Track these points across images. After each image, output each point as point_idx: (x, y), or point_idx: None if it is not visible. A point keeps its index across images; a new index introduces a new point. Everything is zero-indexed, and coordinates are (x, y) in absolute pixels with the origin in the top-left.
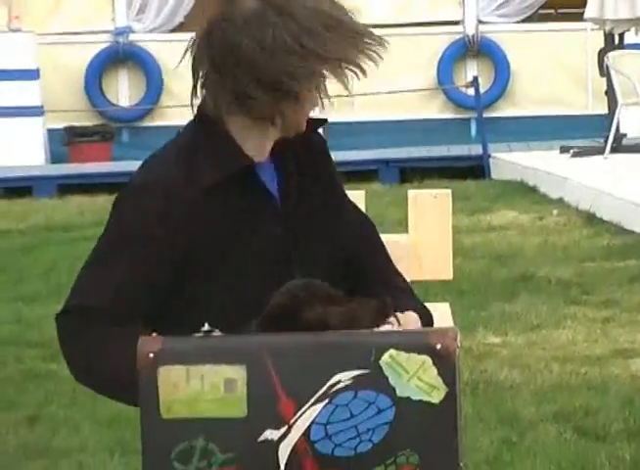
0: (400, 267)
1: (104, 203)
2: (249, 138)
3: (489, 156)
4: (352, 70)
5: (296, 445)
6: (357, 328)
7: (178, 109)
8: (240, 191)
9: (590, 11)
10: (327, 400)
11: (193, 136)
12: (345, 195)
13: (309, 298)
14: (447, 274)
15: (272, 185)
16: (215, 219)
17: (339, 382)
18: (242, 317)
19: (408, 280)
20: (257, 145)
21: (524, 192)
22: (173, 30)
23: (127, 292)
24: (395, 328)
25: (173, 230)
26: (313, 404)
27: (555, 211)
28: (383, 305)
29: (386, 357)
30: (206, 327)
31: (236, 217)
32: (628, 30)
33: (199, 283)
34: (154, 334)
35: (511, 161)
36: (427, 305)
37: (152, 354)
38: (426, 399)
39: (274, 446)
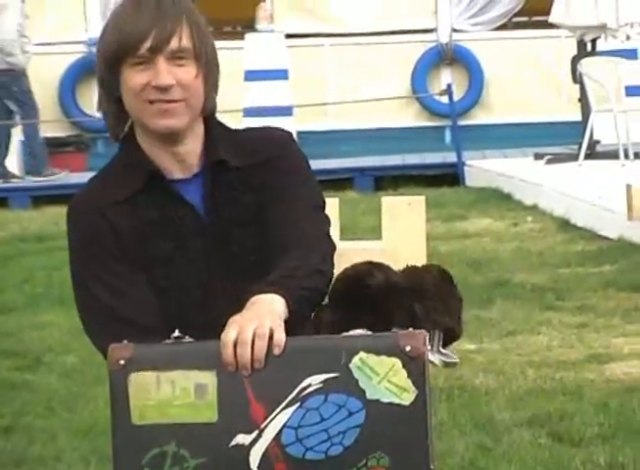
0: None
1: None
2: (157, 154)
3: (464, 163)
4: None
5: (267, 449)
6: (422, 291)
7: None
8: (155, 204)
9: (555, 16)
10: (297, 404)
11: (117, 153)
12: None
13: (371, 268)
14: None
15: (197, 199)
16: (134, 230)
17: (309, 386)
18: (172, 323)
19: None
20: (169, 160)
21: (498, 199)
22: None
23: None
24: (364, 331)
25: (107, 240)
26: (284, 408)
27: (529, 218)
28: (444, 270)
29: (356, 360)
30: (177, 333)
31: (154, 229)
32: (599, 37)
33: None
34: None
35: (485, 168)
36: None
37: (122, 361)
38: (396, 401)
39: (245, 450)
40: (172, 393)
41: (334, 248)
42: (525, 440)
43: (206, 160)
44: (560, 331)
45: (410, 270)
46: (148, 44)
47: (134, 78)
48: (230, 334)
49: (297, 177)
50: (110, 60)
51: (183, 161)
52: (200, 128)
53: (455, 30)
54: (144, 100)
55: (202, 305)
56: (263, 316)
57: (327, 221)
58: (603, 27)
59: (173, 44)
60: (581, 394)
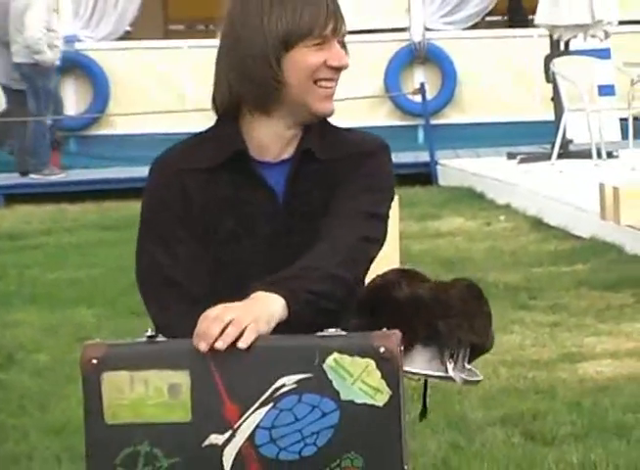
0: None
1: (51, 212)
2: (256, 133)
3: (437, 162)
4: None
5: (240, 449)
6: (447, 307)
7: (126, 117)
8: (235, 182)
9: (541, 17)
10: (271, 404)
11: (211, 126)
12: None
13: (400, 279)
14: None
15: (279, 185)
16: (205, 200)
17: (283, 386)
18: (226, 299)
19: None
20: (266, 141)
21: (471, 198)
22: (120, 39)
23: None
24: (339, 332)
25: (176, 203)
26: (258, 408)
27: (502, 217)
28: (472, 284)
29: (329, 361)
30: (150, 332)
31: (226, 205)
32: (576, 37)
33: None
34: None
35: (458, 167)
36: None
37: (95, 360)
38: (370, 402)
39: (219, 450)
40: (146, 392)
41: (370, 257)
42: (498, 439)
43: (298, 148)
44: (533, 330)
45: (437, 284)
46: (332, 25)
47: (310, 58)
48: (212, 310)
49: (371, 180)
50: (288, 38)
51: (285, 144)
52: None
53: (428, 29)
54: (314, 80)
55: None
56: (250, 313)
57: (376, 231)
58: (583, 26)
59: (344, 28)
60: (554, 393)
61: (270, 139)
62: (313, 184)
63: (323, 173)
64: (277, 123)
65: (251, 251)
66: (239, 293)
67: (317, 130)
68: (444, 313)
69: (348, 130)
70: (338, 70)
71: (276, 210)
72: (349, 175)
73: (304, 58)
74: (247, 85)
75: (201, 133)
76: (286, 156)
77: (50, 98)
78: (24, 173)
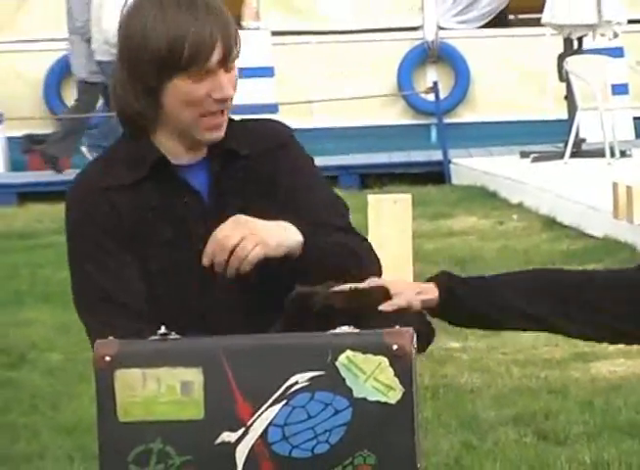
0: None
1: (63, 211)
2: (172, 144)
3: (449, 161)
4: None
5: (253, 447)
6: (363, 310)
7: None
8: (160, 189)
9: (547, 16)
10: (284, 402)
11: (120, 138)
12: (306, 188)
13: (315, 291)
14: (407, 279)
15: (202, 185)
16: (134, 213)
17: (295, 383)
18: (164, 311)
19: None
20: (178, 149)
21: (484, 197)
22: None
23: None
24: (351, 329)
25: (102, 217)
26: (270, 406)
27: (515, 216)
28: (384, 288)
29: (342, 359)
30: (163, 330)
31: (157, 214)
32: (586, 35)
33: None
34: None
35: (471, 166)
36: None
37: (108, 358)
38: (382, 399)
39: (231, 448)
40: (158, 390)
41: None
42: (511, 438)
43: (214, 146)
44: None
45: (353, 292)
46: (217, 57)
47: (193, 90)
48: (220, 231)
49: (307, 166)
50: (165, 67)
51: (196, 149)
52: None
53: (441, 28)
54: (199, 113)
55: (198, 292)
56: (264, 229)
57: (343, 220)
58: (592, 26)
59: (230, 55)
60: (566, 392)
61: (181, 147)
62: (243, 180)
63: (249, 168)
64: (179, 137)
65: (189, 255)
66: (180, 299)
67: (230, 126)
68: (357, 319)
69: (249, 121)
70: (223, 101)
71: (205, 210)
72: (282, 164)
73: (185, 90)
74: (129, 108)
75: (111, 151)
76: (201, 155)
77: None
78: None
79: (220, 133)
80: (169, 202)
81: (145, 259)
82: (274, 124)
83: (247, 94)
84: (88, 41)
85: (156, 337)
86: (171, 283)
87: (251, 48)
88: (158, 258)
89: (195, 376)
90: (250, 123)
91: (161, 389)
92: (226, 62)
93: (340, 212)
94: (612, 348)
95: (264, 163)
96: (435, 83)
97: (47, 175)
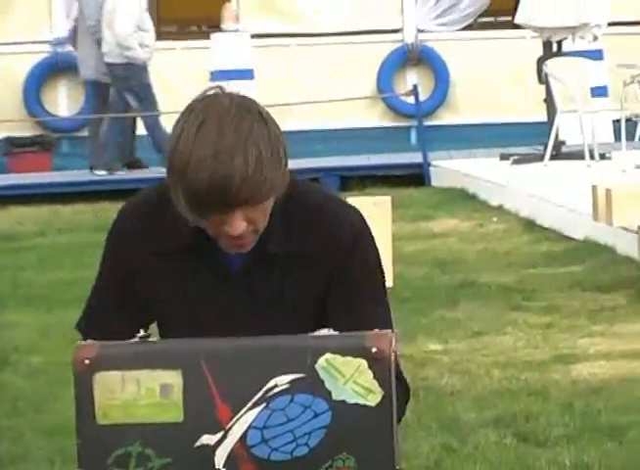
0: None
1: (45, 213)
2: None
3: (430, 164)
4: None
5: (232, 449)
6: None
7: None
8: (193, 258)
9: (521, 17)
10: (263, 405)
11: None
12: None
13: None
14: (388, 281)
15: (235, 266)
16: (165, 280)
17: (275, 386)
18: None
19: None
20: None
21: (464, 199)
22: None
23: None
24: (331, 332)
25: (129, 275)
26: (250, 409)
27: (495, 219)
28: None
29: (322, 361)
30: (142, 333)
31: (186, 283)
32: (566, 38)
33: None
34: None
35: (451, 168)
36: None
37: (87, 361)
38: (362, 402)
39: (211, 450)
40: (137, 392)
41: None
42: (491, 440)
43: (256, 246)
44: (526, 331)
45: None
46: (233, 204)
47: (213, 222)
48: None
49: (371, 275)
50: (199, 208)
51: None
52: None
53: (421, 31)
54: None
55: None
56: None
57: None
58: (571, 29)
59: (250, 201)
60: (547, 394)
61: None
62: (275, 274)
63: (283, 265)
64: None
65: (210, 324)
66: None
67: (278, 221)
68: None
69: (321, 207)
70: (236, 238)
71: (231, 282)
72: (338, 275)
73: (209, 222)
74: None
75: (159, 208)
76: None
77: (150, 92)
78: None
79: (243, 249)
80: (198, 273)
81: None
82: (346, 215)
83: None
84: (98, 43)
85: (135, 340)
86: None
87: (231, 50)
88: (177, 322)
89: (174, 379)
90: (322, 210)
91: (141, 391)
92: (246, 203)
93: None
94: (592, 350)
95: (310, 257)
96: (416, 86)
97: (28, 178)
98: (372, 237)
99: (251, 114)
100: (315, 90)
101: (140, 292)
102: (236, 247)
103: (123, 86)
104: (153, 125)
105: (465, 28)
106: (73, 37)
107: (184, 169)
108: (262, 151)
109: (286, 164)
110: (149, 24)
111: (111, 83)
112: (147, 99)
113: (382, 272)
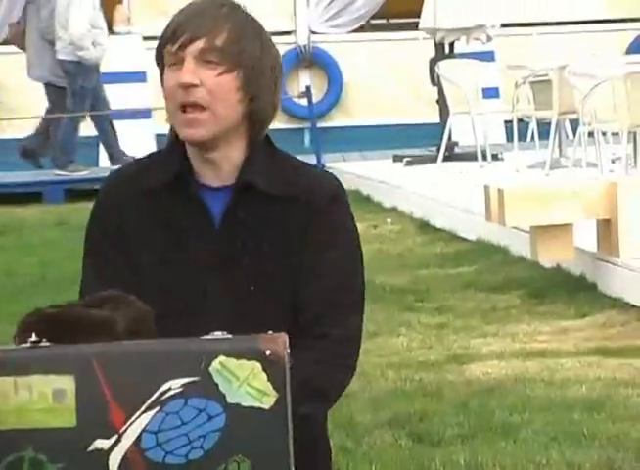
0: None
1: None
2: (192, 156)
3: (323, 166)
4: None
5: (126, 453)
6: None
7: (15, 122)
8: (175, 205)
9: (425, 21)
10: (157, 408)
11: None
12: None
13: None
14: None
15: (219, 211)
16: (146, 221)
17: (169, 389)
18: (162, 324)
19: None
20: (201, 164)
21: (358, 201)
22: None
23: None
24: (225, 335)
25: (110, 224)
26: (144, 412)
27: (389, 220)
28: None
29: (215, 364)
30: (34, 337)
31: (165, 225)
32: (459, 39)
33: (136, 278)
34: None
35: (345, 170)
36: None
37: None
38: (256, 405)
39: (105, 455)
40: (30, 397)
41: (359, 323)
42: (386, 441)
43: (239, 177)
44: (419, 332)
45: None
46: (180, 41)
47: (168, 79)
48: None
49: (343, 235)
50: (156, 55)
51: (217, 168)
52: (240, 141)
53: (313, 33)
54: (176, 105)
55: (187, 310)
56: None
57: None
58: (465, 30)
59: (204, 43)
60: (441, 394)
61: (203, 168)
62: (261, 221)
63: (270, 210)
64: (192, 153)
65: (183, 272)
66: (168, 313)
67: (263, 159)
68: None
69: (301, 164)
70: (186, 88)
71: (212, 234)
72: (312, 233)
73: (165, 79)
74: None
75: (152, 154)
76: (228, 182)
77: (88, 96)
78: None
79: (195, 132)
80: (180, 219)
81: (138, 270)
82: (323, 177)
83: (119, 99)
84: (51, 43)
85: (27, 344)
86: (160, 297)
87: (123, 53)
88: (151, 271)
89: (67, 383)
90: (294, 164)
91: (33, 396)
92: (186, 48)
93: (346, 303)
94: (485, 350)
95: (293, 212)
96: (308, 88)
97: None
98: (349, 205)
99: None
100: None
101: (128, 252)
102: (187, 123)
103: (70, 83)
104: (70, 129)
105: (357, 30)
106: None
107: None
108: (248, 26)
109: (276, 86)
110: (102, 22)
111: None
112: (80, 101)
113: (357, 241)
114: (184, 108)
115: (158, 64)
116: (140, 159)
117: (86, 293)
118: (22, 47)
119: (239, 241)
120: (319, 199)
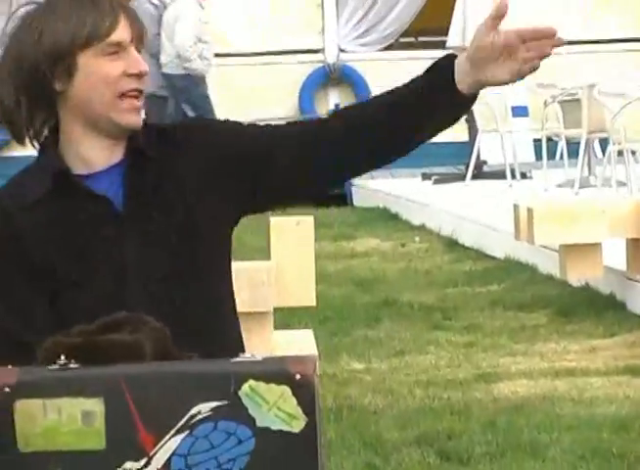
0: (263, 294)
1: None
2: (78, 148)
3: (351, 183)
4: None
5: None
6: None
7: None
8: (64, 203)
9: (453, 40)
10: (187, 432)
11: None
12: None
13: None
14: (310, 300)
15: (114, 188)
16: (43, 231)
17: (199, 413)
18: (81, 321)
19: (271, 307)
20: (89, 154)
21: (386, 219)
22: None
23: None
24: (254, 357)
25: (7, 245)
26: (173, 436)
27: (417, 238)
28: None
29: (245, 388)
30: (63, 359)
31: (63, 228)
32: None
33: (58, 294)
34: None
35: (373, 188)
36: (289, 332)
37: (7, 388)
38: (286, 428)
39: None
40: (59, 420)
41: None
42: (414, 459)
43: (127, 148)
44: (447, 350)
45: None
46: (125, 32)
47: (106, 68)
48: None
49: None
50: (65, 49)
51: (112, 150)
52: None
53: (342, 50)
54: (116, 93)
55: (115, 298)
56: None
57: None
58: None
59: (138, 32)
60: (469, 413)
61: (93, 151)
62: (156, 180)
63: (161, 168)
64: (93, 135)
65: (104, 258)
66: (105, 305)
67: (144, 131)
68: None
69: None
70: (139, 77)
71: (114, 212)
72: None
73: (97, 68)
74: (33, 104)
75: (25, 170)
76: (115, 160)
77: (208, 103)
78: None
79: (139, 119)
80: (74, 212)
81: (59, 276)
82: (192, 120)
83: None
84: (155, 56)
85: (55, 366)
86: (88, 292)
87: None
88: (73, 270)
89: (96, 406)
90: (168, 126)
91: (62, 419)
92: (137, 40)
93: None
94: (514, 368)
95: (180, 161)
96: (337, 106)
97: None
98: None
99: None
100: (236, 112)
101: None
102: (134, 110)
103: (182, 97)
104: None
105: (386, 48)
106: None
107: (63, 16)
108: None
109: None
110: (208, 37)
111: (169, 95)
112: (203, 109)
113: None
114: (124, 95)
115: (57, 61)
116: (11, 178)
117: (4, 334)
118: None
119: (146, 207)
120: (193, 136)
